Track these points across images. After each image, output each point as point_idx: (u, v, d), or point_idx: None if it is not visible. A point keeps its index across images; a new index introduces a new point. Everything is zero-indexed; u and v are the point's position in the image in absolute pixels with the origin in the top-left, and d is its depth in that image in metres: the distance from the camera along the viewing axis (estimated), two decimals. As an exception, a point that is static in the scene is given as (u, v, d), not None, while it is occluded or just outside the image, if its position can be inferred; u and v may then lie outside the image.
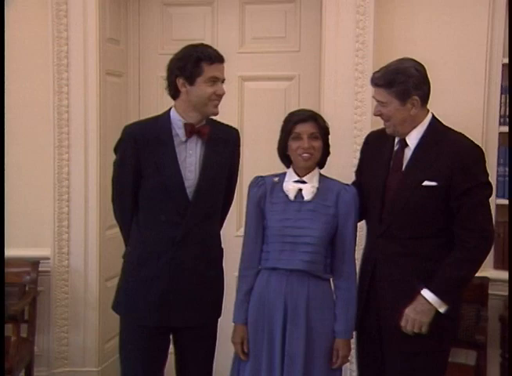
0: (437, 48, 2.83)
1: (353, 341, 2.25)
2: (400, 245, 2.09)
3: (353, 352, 2.27)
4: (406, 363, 2.10)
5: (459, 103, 2.85)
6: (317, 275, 2.18)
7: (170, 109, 2.28)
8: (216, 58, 2.18)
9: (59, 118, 3.12)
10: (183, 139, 2.22)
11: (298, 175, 2.22)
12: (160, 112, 2.35)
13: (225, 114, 2.43)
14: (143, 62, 3.41)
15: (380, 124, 2.28)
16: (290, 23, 3.21)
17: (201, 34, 3.19)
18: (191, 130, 2.22)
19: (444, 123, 2.19)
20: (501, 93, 2.85)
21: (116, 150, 2.31)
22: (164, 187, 2.20)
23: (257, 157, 3.09)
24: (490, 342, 2.63)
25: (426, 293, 2.05)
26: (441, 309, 2.05)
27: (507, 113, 2.85)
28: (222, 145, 2.27)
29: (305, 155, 2.15)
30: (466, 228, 2.06)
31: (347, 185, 2.24)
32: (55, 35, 3.08)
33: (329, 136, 2.23)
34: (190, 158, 2.22)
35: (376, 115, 2.13)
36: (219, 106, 2.23)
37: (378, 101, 2.11)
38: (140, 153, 2.21)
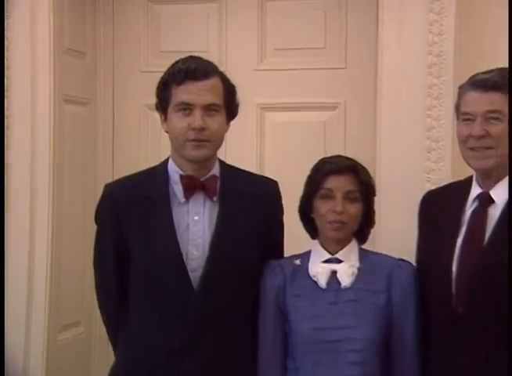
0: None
1: None
2: (484, 356, 1.75)
3: None
4: None
5: None
6: None
7: (168, 158, 2.06)
8: (187, 74, 1.86)
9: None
10: (182, 199, 1.93)
11: (329, 252, 1.98)
12: (143, 155, 2.22)
13: (239, 158, 2.28)
14: (119, 83, 2.99)
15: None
16: (331, 27, 2.79)
17: (202, 44, 2.77)
18: (191, 185, 1.93)
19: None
20: None
21: (95, 218, 2.08)
22: (156, 269, 1.93)
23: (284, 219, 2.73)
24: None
25: None
26: None
27: None
28: (248, 204, 1.97)
29: (336, 224, 1.93)
30: None
31: (401, 260, 1.99)
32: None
33: (375, 197, 1.99)
34: (195, 227, 1.93)
35: (478, 137, 1.80)
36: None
37: (491, 112, 1.80)
38: (123, 222, 1.96)
